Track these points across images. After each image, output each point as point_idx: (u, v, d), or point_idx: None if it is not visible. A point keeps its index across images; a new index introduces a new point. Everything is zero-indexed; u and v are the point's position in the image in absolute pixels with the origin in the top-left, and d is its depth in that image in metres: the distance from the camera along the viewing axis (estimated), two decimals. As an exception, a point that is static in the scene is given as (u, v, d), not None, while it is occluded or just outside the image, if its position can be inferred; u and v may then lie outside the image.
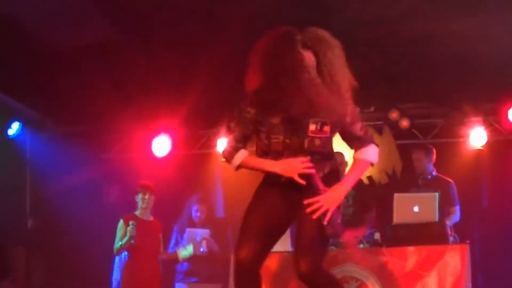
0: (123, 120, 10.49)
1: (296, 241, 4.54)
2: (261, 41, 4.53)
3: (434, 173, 8.93)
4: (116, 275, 9.19)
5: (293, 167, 4.44)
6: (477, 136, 10.35)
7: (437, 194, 7.71)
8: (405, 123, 10.60)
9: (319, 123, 4.53)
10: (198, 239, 9.06)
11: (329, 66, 4.58)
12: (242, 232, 4.51)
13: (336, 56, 4.65)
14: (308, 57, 4.54)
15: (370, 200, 9.11)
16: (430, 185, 8.71)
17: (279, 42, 4.49)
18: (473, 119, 10.40)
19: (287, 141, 4.51)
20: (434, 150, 9.09)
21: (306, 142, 4.53)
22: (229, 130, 4.60)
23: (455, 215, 8.54)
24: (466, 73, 9.38)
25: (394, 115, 10.59)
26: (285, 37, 4.52)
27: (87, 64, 8.74)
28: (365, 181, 10.12)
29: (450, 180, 8.86)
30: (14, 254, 10.42)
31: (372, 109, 10.94)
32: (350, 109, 4.66)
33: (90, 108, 9.65)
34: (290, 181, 4.46)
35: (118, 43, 8.40)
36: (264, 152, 4.56)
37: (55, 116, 10.74)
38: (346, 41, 8.55)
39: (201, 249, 9.06)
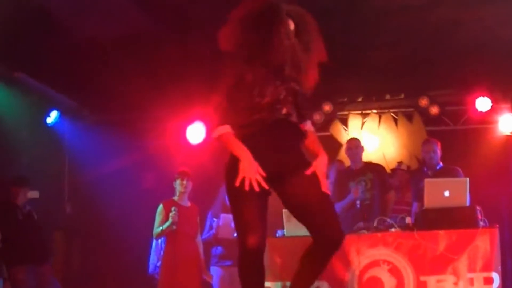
0: (158, 108, 10.60)
1: (316, 215, 4.74)
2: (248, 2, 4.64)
3: (441, 163, 9.04)
4: (153, 259, 9.34)
5: (251, 173, 4.49)
6: (505, 122, 10.42)
7: (467, 179, 7.78)
8: (435, 110, 10.68)
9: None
10: (233, 224, 9.17)
11: (306, 37, 4.72)
12: (245, 223, 4.64)
13: (314, 30, 4.78)
14: (290, 23, 4.66)
15: (389, 181, 9.26)
16: (439, 175, 8.77)
17: (265, 5, 4.60)
18: (502, 105, 10.48)
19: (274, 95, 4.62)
20: None
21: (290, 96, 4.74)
22: (219, 91, 4.60)
23: None
24: (494, 59, 9.42)
25: (424, 102, 10.68)
26: (271, 3, 4.62)
27: (123, 54, 8.86)
28: (395, 165, 10.24)
29: (457, 167, 8.95)
30: (54, 239, 10.62)
31: (402, 96, 11.04)
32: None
33: (125, 96, 9.77)
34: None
35: (153, 33, 8.52)
36: (250, 108, 4.58)
37: (91, 104, 10.88)
38: (374, 29, 8.72)
39: (235, 234, 9.19)
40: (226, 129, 4.57)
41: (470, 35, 8.77)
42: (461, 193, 7.59)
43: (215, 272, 9.33)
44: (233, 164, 4.58)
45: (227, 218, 9.20)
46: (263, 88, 4.56)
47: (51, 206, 10.35)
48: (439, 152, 8.95)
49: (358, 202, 8.79)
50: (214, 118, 4.61)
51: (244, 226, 4.60)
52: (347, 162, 10.21)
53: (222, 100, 4.56)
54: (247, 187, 4.45)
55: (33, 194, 9.29)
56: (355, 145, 9.21)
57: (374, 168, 9.27)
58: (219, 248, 9.33)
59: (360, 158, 9.19)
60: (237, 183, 4.45)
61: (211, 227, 9.37)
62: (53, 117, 10.68)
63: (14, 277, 8.69)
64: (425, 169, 9.04)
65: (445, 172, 8.77)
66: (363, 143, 9.53)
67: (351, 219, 8.54)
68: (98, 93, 10.11)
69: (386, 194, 9.06)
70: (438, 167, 8.91)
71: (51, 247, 9.80)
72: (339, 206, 8.96)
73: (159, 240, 8.96)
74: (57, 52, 8.77)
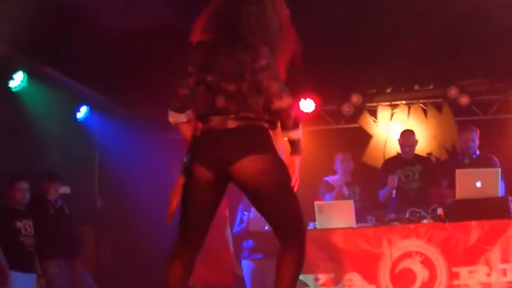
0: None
1: (278, 219, 4.45)
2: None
3: (478, 152, 9.00)
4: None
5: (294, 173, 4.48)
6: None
7: (499, 169, 7.76)
8: (464, 100, 10.61)
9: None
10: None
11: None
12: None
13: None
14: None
15: (438, 176, 9.23)
16: (477, 164, 8.74)
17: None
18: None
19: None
20: None
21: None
22: (186, 75, 4.38)
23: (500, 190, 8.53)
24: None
25: (453, 92, 10.61)
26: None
27: (151, 47, 8.90)
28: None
29: (493, 156, 8.91)
30: (84, 233, 10.69)
31: (431, 86, 10.99)
32: None
33: (155, 89, 9.81)
34: None
35: (181, 25, 8.53)
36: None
37: (121, 99, 10.92)
38: (403, 17, 8.67)
39: (266, 227, 9.21)
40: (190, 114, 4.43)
41: (499, 22, 8.68)
42: (493, 184, 7.57)
43: (247, 266, 9.35)
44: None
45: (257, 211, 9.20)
46: None
47: (82, 201, 10.40)
48: (477, 140, 8.94)
49: (394, 192, 8.80)
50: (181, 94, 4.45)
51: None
52: (372, 154, 10.23)
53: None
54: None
55: (65, 189, 9.38)
56: (408, 143, 9.23)
57: (424, 161, 9.29)
58: (250, 241, 9.35)
59: (410, 152, 9.20)
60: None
61: (242, 221, 9.38)
62: (83, 112, 10.73)
63: (46, 271, 8.76)
64: (460, 157, 9.02)
65: (482, 161, 8.77)
66: (392, 135, 9.53)
67: (394, 209, 8.57)
68: (127, 87, 10.15)
69: (431, 188, 9.04)
70: (474, 156, 8.88)
71: (82, 241, 9.85)
72: (382, 194, 9.00)
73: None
74: (86, 47, 8.80)
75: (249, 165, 4.23)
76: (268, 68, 4.22)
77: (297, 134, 4.36)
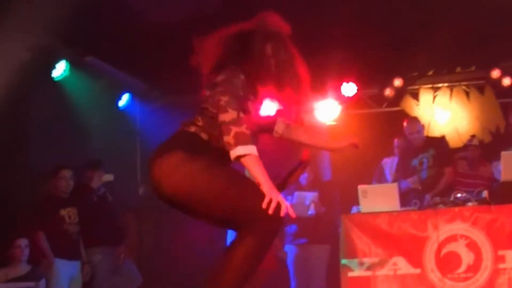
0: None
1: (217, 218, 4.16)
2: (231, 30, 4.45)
3: None
4: (230, 236, 9.44)
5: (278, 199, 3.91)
6: None
7: (545, 150, 7.69)
8: (507, 81, 10.52)
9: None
10: (307, 202, 9.20)
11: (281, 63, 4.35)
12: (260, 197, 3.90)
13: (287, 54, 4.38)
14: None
15: (450, 155, 9.20)
16: None
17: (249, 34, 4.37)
18: None
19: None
20: None
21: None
22: (229, 104, 4.00)
23: None
24: None
25: (495, 73, 10.51)
26: (254, 33, 4.38)
27: (192, 34, 8.90)
28: (467, 139, 10.10)
29: None
30: (127, 220, 10.74)
31: (473, 68, 10.89)
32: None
33: (196, 76, 9.82)
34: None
35: (222, 12, 8.53)
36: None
37: (162, 86, 10.96)
38: (446, 1, 8.58)
39: (309, 212, 9.22)
40: (253, 150, 3.97)
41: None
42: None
43: (290, 251, 9.36)
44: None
45: (301, 196, 9.22)
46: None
47: (124, 188, 10.43)
48: None
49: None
50: (242, 133, 3.96)
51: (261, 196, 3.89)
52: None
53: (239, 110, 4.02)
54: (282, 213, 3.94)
55: (108, 177, 9.42)
56: (414, 130, 9.15)
57: (436, 143, 9.21)
58: (293, 226, 9.35)
59: (419, 138, 9.11)
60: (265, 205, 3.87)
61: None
62: (124, 100, 10.77)
63: (90, 258, 8.83)
64: None
65: None
66: (435, 117, 9.45)
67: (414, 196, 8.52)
68: (168, 75, 10.16)
69: (446, 168, 8.95)
70: None
71: (125, 228, 9.90)
72: (402, 187, 8.94)
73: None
74: (126, 34, 8.82)
75: (155, 169, 4.14)
76: (223, 82, 4.12)
77: (240, 150, 3.93)
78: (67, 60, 9.26)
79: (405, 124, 9.31)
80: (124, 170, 10.72)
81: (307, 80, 4.35)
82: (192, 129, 4.18)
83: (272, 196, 3.86)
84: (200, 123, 4.18)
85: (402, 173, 9.05)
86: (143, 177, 11.40)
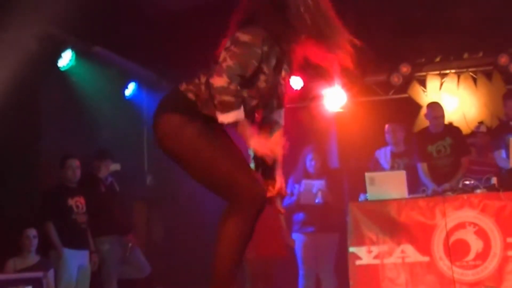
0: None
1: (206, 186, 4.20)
2: None
3: None
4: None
5: (271, 147, 4.02)
6: None
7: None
8: (515, 67, 10.47)
9: (288, 72, 4.32)
10: (315, 190, 9.19)
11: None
12: (245, 172, 4.03)
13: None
14: None
15: (466, 145, 9.17)
16: None
17: None
18: None
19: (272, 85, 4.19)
20: None
21: (279, 88, 4.32)
22: (229, 70, 3.93)
23: None
24: None
25: (503, 59, 10.46)
26: None
27: (199, 23, 8.87)
28: (475, 125, 10.07)
29: None
30: (134, 210, 10.75)
31: (480, 54, 10.84)
32: None
33: (203, 65, 9.80)
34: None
35: (232, 3, 8.50)
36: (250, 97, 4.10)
37: (169, 75, 10.92)
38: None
39: (317, 200, 9.21)
40: (242, 113, 3.97)
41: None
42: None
43: (298, 239, 9.35)
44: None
45: (308, 184, 9.21)
46: None
47: (132, 177, 10.45)
48: None
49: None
50: (229, 99, 3.91)
51: (245, 175, 4.00)
52: (422, 125, 10.07)
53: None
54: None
55: (115, 166, 9.43)
56: (437, 115, 9.08)
57: (452, 131, 9.15)
58: (301, 214, 9.34)
59: (442, 123, 9.06)
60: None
61: (291, 194, 9.36)
62: (131, 89, 10.75)
63: (98, 248, 8.85)
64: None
65: None
66: (442, 104, 9.39)
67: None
68: (175, 63, 10.12)
69: (462, 158, 8.91)
70: None
71: (133, 218, 9.92)
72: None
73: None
74: (134, 24, 8.82)
75: (156, 128, 4.17)
76: (242, 45, 3.98)
77: (222, 118, 3.92)
78: (73, 50, 9.24)
79: (426, 109, 9.26)
80: (132, 159, 10.73)
81: (344, 29, 4.17)
82: (183, 87, 4.18)
83: (263, 147, 3.99)
84: (196, 81, 4.16)
85: (417, 157, 8.98)
86: (150, 167, 11.40)
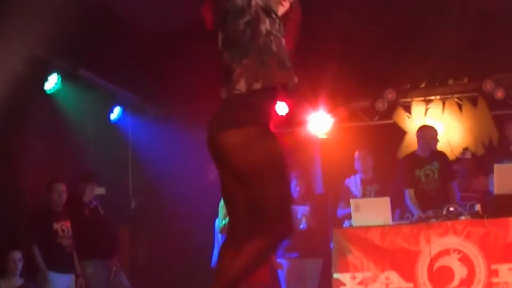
0: (221, 100, 10.61)
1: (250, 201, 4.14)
2: None
3: None
4: (215, 253, 9.43)
5: None
6: None
7: (539, 163, 7.68)
8: (499, 93, 10.50)
9: None
10: (299, 216, 9.19)
11: None
12: (288, 203, 4.08)
13: None
14: None
15: (452, 170, 9.20)
16: None
17: None
18: None
19: None
20: None
21: None
22: None
23: None
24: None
25: (488, 85, 10.49)
26: None
27: (184, 48, 8.90)
28: (460, 151, 10.09)
29: None
30: (119, 234, 10.72)
31: (465, 80, 10.88)
32: None
33: (188, 90, 9.81)
34: None
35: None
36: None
37: (154, 99, 10.95)
38: (437, 12, 8.60)
39: (301, 226, 9.21)
40: None
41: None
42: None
43: (282, 264, 9.32)
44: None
45: (293, 210, 9.18)
46: None
47: (116, 201, 10.45)
48: None
49: None
50: None
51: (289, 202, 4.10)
52: (407, 151, 10.08)
53: None
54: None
55: (100, 190, 9.44)
56: (433, 135, 9.12)
57: (439, 155, 9.16)
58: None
59: (436, 144, 9.09)
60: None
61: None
62: (116, 113, 10.75)
63: (83, 271, 8.83)
64: (511, 147, 8.94)
65: None
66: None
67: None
68: (160, 88, 10.17)
69: (450, 183, 8.93)
70: None
71: (118, 241, 9.89)
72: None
73: (219, 235, 9.10)
74: (119, 47, 8.82)
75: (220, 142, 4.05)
76: None
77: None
78: (59, 73, 9.24)
79: (419, 131, 9.26)
80: (116, 183, 10.72)
81: None
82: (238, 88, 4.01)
83: None
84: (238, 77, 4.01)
85: (405, 182, 8.97)
86: (135, 191, 11.39)
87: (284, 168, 4.00)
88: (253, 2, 4.01)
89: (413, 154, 9.20)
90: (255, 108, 3.96)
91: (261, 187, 3.94)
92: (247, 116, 3.94)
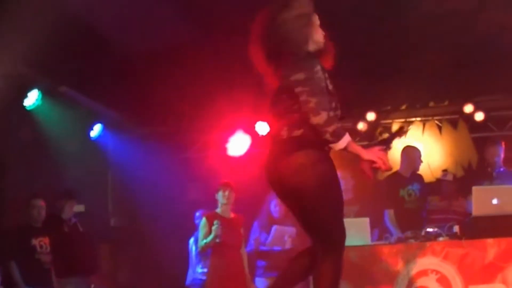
0: (202, 120, 10.62)
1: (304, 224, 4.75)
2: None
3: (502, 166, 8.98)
4: (190, 272, 9.45)
5: (379, 156, 4.64)
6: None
7: (517, 186, 7.70)
8: (480, 116, 10.57)
9: None
10: (286, 237, 9.21)
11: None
12: (341, 219, 4.69)
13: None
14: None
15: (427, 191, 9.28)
16: (503, 178, 8.71)
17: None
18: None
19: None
20: None
21: None
22: (319, 105, 4.45)
23: None
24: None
25: (468, 108, 10.56)
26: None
27: (165, 66, 8.91)
28: (440, 173, 10.13)
29: None
30: (99, 252, 10.69)
31: (446, 103, 10.94)
32: None
33: (169, 108, 9.82)
34: None
35: (194, 44, 8.54)
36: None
37: (135, 117, 10.95)
38: (419, 35, 8.65)
39: (286, 246, 9.21)
40: (347, 138, 4.58)
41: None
42: (510, 201, 7.50)
43: (260, 284, 9.30)
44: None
45: (280, 231, 9.20)
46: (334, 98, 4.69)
47: (96, 219, 10.41)
48: (501, 154, 8.96)
49: None
50: (335, 129, 4.50)
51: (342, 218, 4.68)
52: (387, 172, 10.11)
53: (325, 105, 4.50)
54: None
55: (79, 208, 9.41)
56: (418, 156, 9.20)
57: (418, 178, 9.24)
58: (265, 259, 9.31)
59: (416, 168, 9.15)
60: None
61: (257, 241, 9.35)
62: (96, 130, 10.74)
63: (63, 288, 8.79)
64: (489, 169, 8.97)
65: (507, 176, 8.73)
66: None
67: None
68: (141, 106, 10.16)
69: (425, 203, 9.07)
70: (501, 169, 8.88)
71: (98, 259, 9.85)
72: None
73: (193, 253, 9.09)
74: (100, 65, 8.84)
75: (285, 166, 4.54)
76: (306, 81, 4.49)
77: (337, 146, 4.55)
78: (39, 89, 9.23)
79: (405, 151, 9.32)
80: (96, 200, 10.70)
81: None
82: (298, 133, 4.53)
83: (373, 155, 4.61)
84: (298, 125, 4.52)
85: (388, 202, 9.00)
86: (114, 208, 11.36)
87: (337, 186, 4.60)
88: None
89: (396, 174, 9.22)
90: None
91: (314, 211, 4.52)
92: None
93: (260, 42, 4.63)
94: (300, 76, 4.48)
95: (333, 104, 4.63)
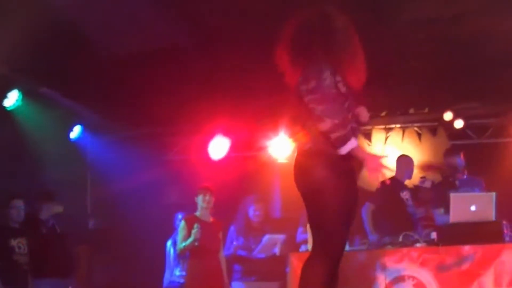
0: (182, 122, 10.61)
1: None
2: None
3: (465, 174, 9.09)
4: (166, 275, 9.44)
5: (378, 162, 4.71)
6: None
7: (494, 193, 7.70)
8: (459, 123, 10.63)
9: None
10: (277, 247, 9.26)
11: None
12: (346, 227, 4.83)
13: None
14: None
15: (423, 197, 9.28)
16: (468, 185, 8.78)
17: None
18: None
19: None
20: None
21: None
22: (325, 112, 4.59)
23: None
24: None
25: (448, 116, 10.62)
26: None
27: (146, 69, 8.90)
28: (418, 180, 10.18)
29: (481, 178, 8.99)
30: (77, 253, 10.64)
31: (426, 110, 10.98)
32: None
33: (149, 111, 9.80)
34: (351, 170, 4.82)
35: (178, 47, 8.54)
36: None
37: (115, 119, 10.92)
38: (400, 42, 8.67)
39: (277, 254, 9.26)
40: (353, 143, 4.66)
41: (497, 47, 8.70)
42: (487, 208, 7.54)
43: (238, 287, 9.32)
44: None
45: (273, 239, 9.24)
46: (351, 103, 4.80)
47: (74, 220, 10.36)
48: (463, 162, 9.02)
49: None
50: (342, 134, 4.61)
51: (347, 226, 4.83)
52: (366, 178, 10.13)
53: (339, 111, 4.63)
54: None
55: (57, 209, 9.35)
56: (413, 166, 9.40)
57: (407, 186, 9.32)
58: (242, 264, 9.34)
59: (409, 177, 9.34)
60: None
61: (236, 245, 9.36)
62: (76, 131, 10.72)
63: (39, 290, 8.75)
64: (451, 179, 9.03)
65: (471, 183, 8.80)
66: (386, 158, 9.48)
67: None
68: (121, 108, 10.14)
69: (418, 209, 9.16)
70: (465, 177, 8.92)
71: (76, 261, 9.82)
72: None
73: (171, 256, 9.09)
74: (81, 66, 8.81)
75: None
76: (315, 89, 4.65)
77: (342, 151, 4.62)
78: (19, 90, 9.20)
79: (401, 160, 9.45)
80: (74, 202, 10.65)
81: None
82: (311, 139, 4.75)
83: (374, 160, 4.69)
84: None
85: (391, 204, 9.05)
86: (93, 210, 11.33)
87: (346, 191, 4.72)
88: None
89: (395, 178, 9.30)
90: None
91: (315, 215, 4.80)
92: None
93: (289, 45, 4.82)
94: (309, 85, 4.65)
95: (346, 105, 4.75)
